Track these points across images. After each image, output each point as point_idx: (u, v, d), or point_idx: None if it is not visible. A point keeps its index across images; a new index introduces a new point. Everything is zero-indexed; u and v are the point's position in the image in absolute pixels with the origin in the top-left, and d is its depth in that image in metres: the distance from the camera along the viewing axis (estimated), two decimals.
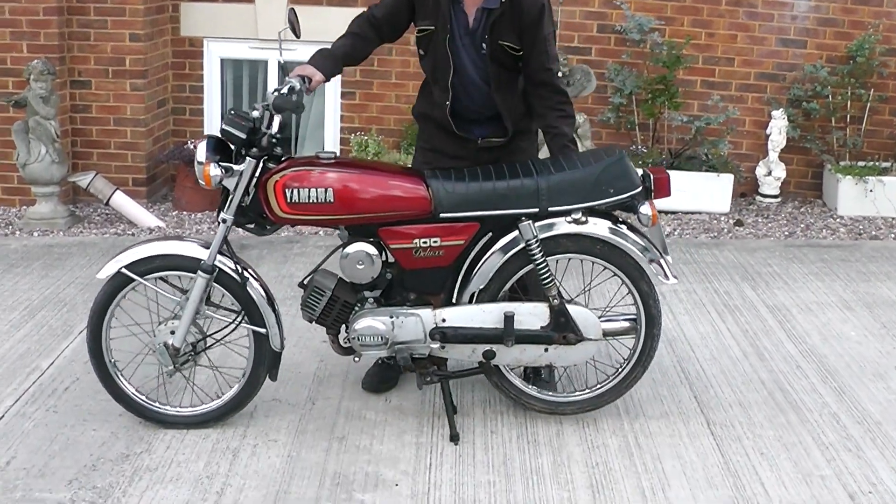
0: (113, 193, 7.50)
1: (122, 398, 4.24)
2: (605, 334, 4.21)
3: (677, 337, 5.28)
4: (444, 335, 4.11)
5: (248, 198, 4.01)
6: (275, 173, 3.98)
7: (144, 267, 4.09)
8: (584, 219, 4.02)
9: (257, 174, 3.97)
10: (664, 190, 4.08)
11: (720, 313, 5.64)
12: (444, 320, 4.12)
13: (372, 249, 4.06)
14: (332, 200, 3.96)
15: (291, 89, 3.89)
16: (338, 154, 4.19)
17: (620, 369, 4.31)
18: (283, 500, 3.76)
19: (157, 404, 4.27)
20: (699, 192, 7.76)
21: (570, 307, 4.12)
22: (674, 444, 4.19)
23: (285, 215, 4.01)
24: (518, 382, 4.30)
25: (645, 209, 4.01)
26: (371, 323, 4.09)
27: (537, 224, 4.02)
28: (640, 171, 4.09)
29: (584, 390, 4.36)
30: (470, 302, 4.16)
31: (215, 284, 4.09)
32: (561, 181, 4.01)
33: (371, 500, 3.77)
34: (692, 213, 7.79)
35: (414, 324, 4.10)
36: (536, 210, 4.01)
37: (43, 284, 5.99)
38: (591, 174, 4.02)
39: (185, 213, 7.80)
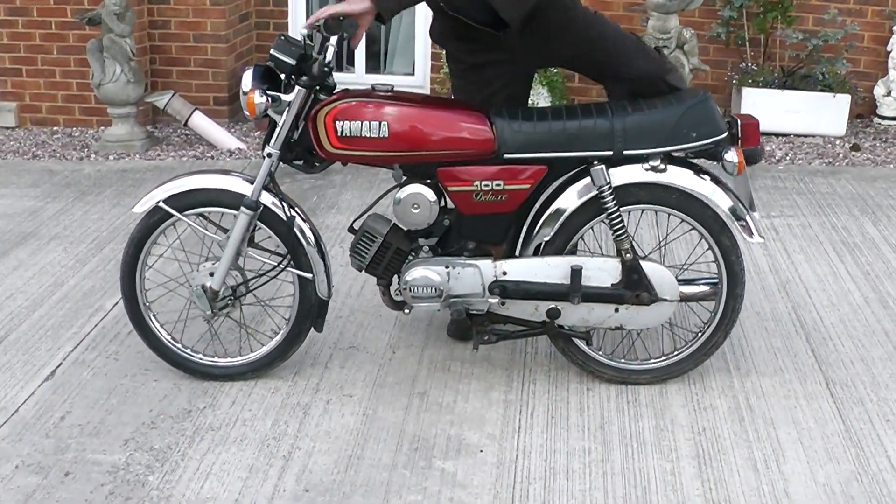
0: (192, 114, 7.21)
1: (158, 347, 3.96)
2: (683, 299, 3.78)
3: (791, 279, 4.83)
4: (505, 289, 3.70)
5: (296, 132, 3.66)
6: (326, 105, 3.60)
7: (184, 201, 3.76)
8: (662, 166, 3.57)
9: (307, 106, 3.62)
10: (752, 138, 3.61)
11: (838, 252, 5.16)
12: (504, 273, 3.71)
13: (429, 192, 3.65)
14: (386, 135, 3.57)
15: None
16: (395, 88, 3.75)
17: (700, 335, 3.87)
18: (356, 467, 3.43)
19: (192, 353, 3.97)
20: (813, 113, 7.20)
21: (644, 263, 3.67)
22: (789, 406, 3.77)
23: (336, 150, 3.63)
24: (585, 347, 3.87)
25: (730, 156, 3.54)
26: (425, 273, 3.70)
27: (611, 170, 3.59)
28: (726, 117, 3.66)
29: (660, 357, 3.93)
30: (534, 254, 3.75)
31: (260, 223, 3.76)
32: (638, 122, 3.55)
33: (452, 468, 3.43)
34: (805, 135, 7.24)
35: (472, 276, 3.70)
36: (610, 153, 3.56)
37: (113, 214, 5.73)
38: (671, 116, 3.55)
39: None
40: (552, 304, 3.69)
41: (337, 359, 4.11)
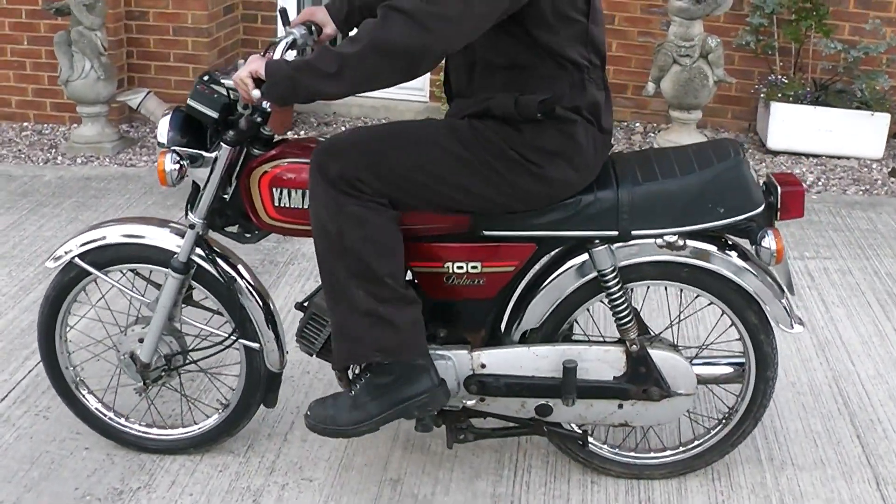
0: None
1: (85, 415, 3.41)
2: (702, 381, 3.16)
3: (831, 340, 4.18)
4: (484, 386, 3.05)
5: (230, 189, 3.03)
6: (262, 163, 2.97)
7: (105, 256, 3.18)
8: (680, 242, 2.90)
9: (240, 162, 2.99)
10: (796, 209, 2.93)
11: (884, 306, 4.49)
12: (483, 366, 3.04)
13: None
14: None
15: (292, 44, 2.91)
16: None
17: (724, 422, 3.23)
18: None
19: (124, 422, 3.40)
20: (848, 133, 6.51)
21: (653, 351, 3.02)
22: None
23: (273, 222, 3.01)
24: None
25: (768, 242, 2.86)
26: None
27: (617, 247, 2.94)
28: (761, 181, 2.98)
29: (677, 448, 3.29)
30: (520, 342, 3.12)
31: (196, 283, 3.17)
32: (650, 194, 2.87)
33: None
34: (838, 157, 6.56)
35: (444, 369, 3.00)
36: (615, 233, 2.90)
37: (69, 231, 5.09)
38: (692, 185, 2.87)
39: None
40: (542, 401, 3.06)
41: (299, 429, 3.49)
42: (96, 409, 3.39)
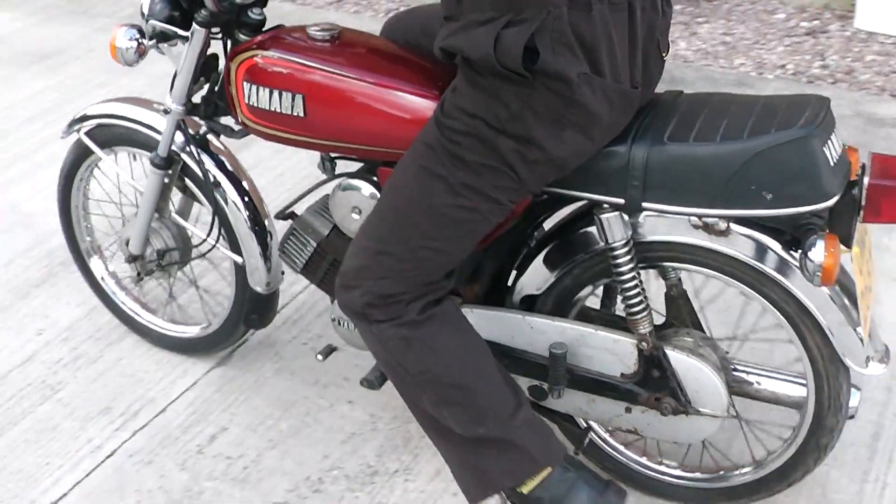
0: None
1: (99, 291, 3.41)
2: (760, 397, 2.52)
3: None
4: None
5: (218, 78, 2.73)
6: (242, 51, 2.53)
7: (109, 134, 3.00)
8: (722, 224, 2.22)
9: (226, 47, 2.64)
10: (889, 211, 2.13)
11: None
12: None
13: (374, 192, 2.52)
14: (302, 114, 2.44)
15: None
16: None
17: (757, 464, 2.58)
18: None
19: (136, 307, 3.38)
20: None
21: (673, 354, 2.38)
22: None
23: (249, 122, 2.59)
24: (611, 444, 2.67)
25: (815, 253, 2.09)
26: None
27: (641, 217, 2.29)
28: (841, 163, 2.14)
29: (695, 473, 2.67)
30: (519, 307, 2.54)
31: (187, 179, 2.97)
32: (672, 159, 2.15)
33: None
34: None
35: None
36: (621, 201, 2.24)
37: None
38: (731, 156, 2.10)
39: None
40: (535, 382, 2.51)
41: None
42: (104, 282, 3.38)
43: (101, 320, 3.47)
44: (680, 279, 2.55)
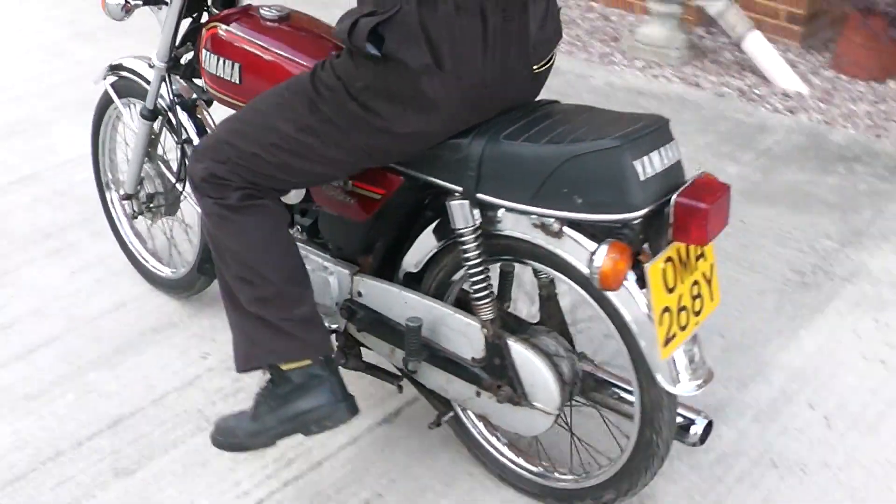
0: (748, 34, 5.64)
1: (109, 218, 3.81)
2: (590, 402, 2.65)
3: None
4: (353, 314, 2.79)
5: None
6: (211, 22, 2.92)
7: (127, 87, 3.39)
8: (556, 227, 2.32)
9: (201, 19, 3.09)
10: (695, 232, 2.20)
11: None
12: (360, 294, 2.78)
13: None
14: (238, 81, 2.80)
15: None
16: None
17: (585, 474, 2.71)
18: None
19: (133, 242, 3.77)
20: None
21: (514, 345, 2.51)
22: None
23: (205, 85, 2.99)
24: (477, 432, 2.82)
25: (597, 257, 2.20)
26: None
27: (489, 212, 2.43)
28: (657, 180, 2.23)
29: (538, 469, 2.81)
30: (404, 282, 2.75)
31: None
32: (501, 155, 2.32)
33: None
34: None
35: (324, 283, 2.81)
36: (460, 189, 2.41)
37: None
38: (547, 158, 2.25)
39: (842, 77, 5.60)
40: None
41: None
42: (118, 220, 3.75)
43: None
44: (552, 282, 2.66)
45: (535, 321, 2.71)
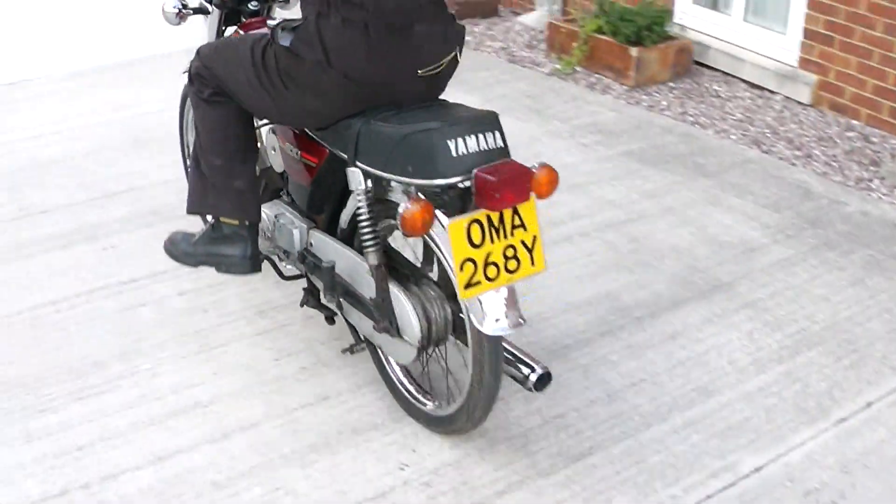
0: None
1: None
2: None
3: None
4: (305, 260, 3.59)
5: None
6: (239, 28, 4.00)
7: None
8: (413, 192, 2.97)
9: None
10: (489, 199, 2.87)
11: None
12: (311, 244, 3.57)
13: (277, 144, 3.72)
14: None
15: None
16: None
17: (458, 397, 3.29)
18: None
19: None
20: None
21: (393, 288, 3.17)
22: None
23: None
24: (392, 371, 3.53)
25: (401, 207, 2.87)
26: (264, 212, 3.75)
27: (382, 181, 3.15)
28: (470, 157, 2.90)
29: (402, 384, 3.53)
30: (341, 237, 3.51)
31: None
32: (370, 133, 3.05)
33: None
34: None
35: (288, 234, 3.63)
36: (346, 157, 3.15)
37: (848, 290, 4.27)
38: (394, 136, 2.97)
39: None
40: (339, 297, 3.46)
41: None
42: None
43: (473, 472, 3.22)
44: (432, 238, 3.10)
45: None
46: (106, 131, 5.97)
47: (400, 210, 2.85)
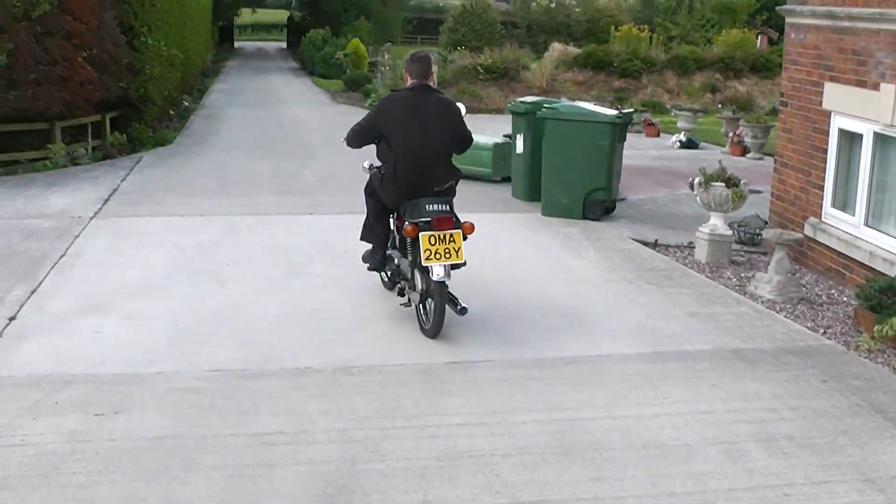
0: None
1: None
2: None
3: None
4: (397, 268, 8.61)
5: None
6: None
7: None
8: (411, 222, 7.88)
9: None
10: (436, 226, 7.61)
11: None
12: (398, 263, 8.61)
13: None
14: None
15: None
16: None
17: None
18: None
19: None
20: None
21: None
22: None
23: None
24: (418, 311, 8.21)
25: (404, 227, 7.84)
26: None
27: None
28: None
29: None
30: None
31: None
32: (409, 205, 7.97)
33: None
34: None
35: (400, 262, 8.48)
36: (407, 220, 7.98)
37: None
38: (410, 202, 7.97)
39: None
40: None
41: None
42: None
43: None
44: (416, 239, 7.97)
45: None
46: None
47: (403, 228, 7.67)
